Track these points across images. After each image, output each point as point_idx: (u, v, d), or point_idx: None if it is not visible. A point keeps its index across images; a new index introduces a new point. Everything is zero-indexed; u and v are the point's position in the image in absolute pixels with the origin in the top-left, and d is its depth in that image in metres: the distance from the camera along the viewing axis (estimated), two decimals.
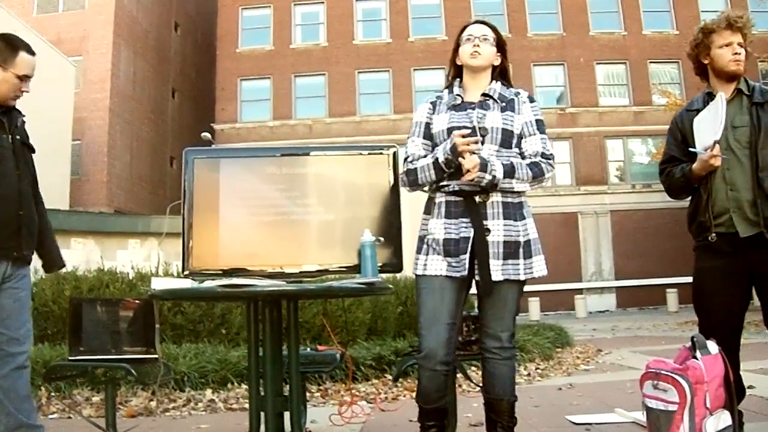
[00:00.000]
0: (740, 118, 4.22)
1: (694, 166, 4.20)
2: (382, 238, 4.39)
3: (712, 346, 3.92)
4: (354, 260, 4.52)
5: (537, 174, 3.90)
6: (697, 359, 3.85)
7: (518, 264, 3.83)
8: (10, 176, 4.16)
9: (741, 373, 4.26)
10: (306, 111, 39.05)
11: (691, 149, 4.26)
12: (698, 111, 4.34)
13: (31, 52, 4.30)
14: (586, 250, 37.25)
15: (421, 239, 3.98)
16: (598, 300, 36.36)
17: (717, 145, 4.06)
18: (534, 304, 32.64)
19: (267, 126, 38.58)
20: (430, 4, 39.27)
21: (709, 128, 4.12)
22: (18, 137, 4.30)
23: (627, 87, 39.01)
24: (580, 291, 35.74)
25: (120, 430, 5.09)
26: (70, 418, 6.72)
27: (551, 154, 4.00)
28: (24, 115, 4.44)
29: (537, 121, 4.03)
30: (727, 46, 4.29)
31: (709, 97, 4.34)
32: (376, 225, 4.41)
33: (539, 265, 3.93)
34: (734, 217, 4.14)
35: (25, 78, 4.23)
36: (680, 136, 4.46)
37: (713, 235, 4.19)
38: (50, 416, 6.75)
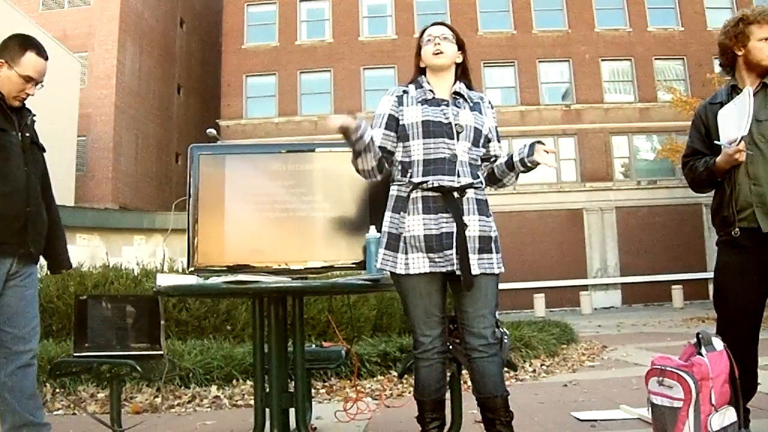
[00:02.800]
0: (765, 112, 4.15)
1: (718, 159, 4.16)
2: None
3: (717, 343, 3.91)
4: (359, 257, 4.54)
5: None
6: (702, 356, 3.84)
7: (492, 258, 3.88)
8: (18, 173, 4.15)
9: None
10: (311, 107, 38.99)
11: (716, 142, 4.22)
12: (722, 104, 4.28)
13: (43, 56, 4.28)
14: (591, 247, 37.18)
15: (395, 236, 3.92)
16: (604, 296, 36.30)
17: (742, 140, 4.03)
18: (539, 300, 32.66)
19: (272, 122, 38.54)
20: (435, 0, 39.24)
21: (734, 122, 4.08)
22: (27, 135, 4.30)
23: (632, 83, 38.93)
24: (585, 287, 35.71)
25: (125, 426, 5.10)
26: (75, 414, 6.74)
27: None
28: (34, 114, 4.44)
29: (496, 128, 4.19)
30: (766, 40, 4.23)
31: (734, 90, 4.30)
32: (382, 221, 4.40)
33: (502, 262, 3.98)
34: (757, 213, 4.08)
35: (29, 79, 4.21)
36: (704, 129, 4.39)
37: (737, 229, 4.15)
38: (55, 412, 6.76)
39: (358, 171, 4.04)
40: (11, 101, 4.22)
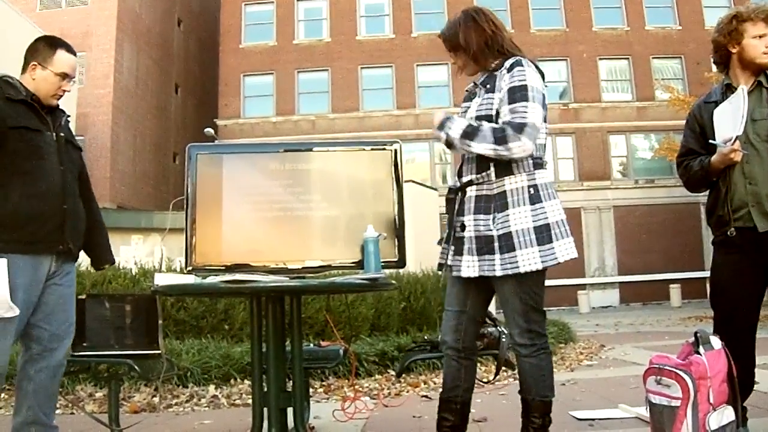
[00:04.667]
0: (760, 111, 4.15)
1: (713, 158, 4.16)
2: (385, 234, 4.40)
3: (716, 342, 3.91)
4: (357, 256, 4.53)
5: (500, 139, 3.59)
6: (700, 354, 3.84)
7: (493, 259, 3.68)
8: (53, 171, 4.22)
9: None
10: (309, 107, 39.09)
11: (711, 141, 4.22)
12: (716, 103, 4.27)
13: (71, 52, 4.41)
14: (589, 246, 37.22)
15: None
16: (602, 295, 36.36)
17: (737, 140, 4.02)
18: None
19: (270, 121, 38.59)
20: None
21: (729, 121, 4.07)
22: (62, 135, 4.38)
23: (630, 82, 39.01)
24: (583, 286, 35.76)
25: (123, 425, 5.10)
26: (73, 413, 6.72)
27: (523, 123, 3.61)
28: (68, 115, 4.54)
29: (510, 89, 3.70)
30: (760, 37, 4.22)
31: (728, 88, 4.28)
32: (380, 221, 4.41)
33: (528, 258, 3.63)
34: (753, 212, 4.08)
35: (64, 76, 4.32)
36: (698, 128, 4.39)
37: (732, 229, 4.15)
38: None
39: None
40: (49, 100, 4.32)
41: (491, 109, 3.75)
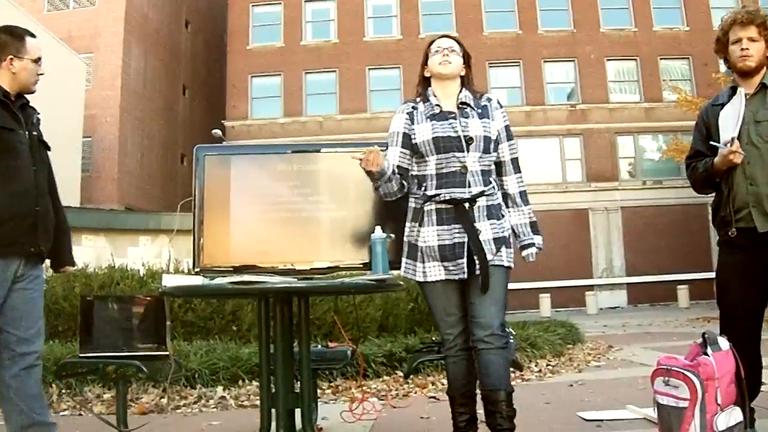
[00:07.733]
0: (763, 113, 4.17)
1: (716, 160, 4.20)
2: (393, 235, 4.41)
3: (723, 343, 3.91)
4: (365, 257, 4.55)
5: (527, 198, 4.35)
6: (708, 355, 3.85)
7: (501, 253, 4.05)
8: (26, 171, 4.18)
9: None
10: (317, 108, 39.02)
11: (712, 143, 4.25)
12: (723, 105, 4.32)
13: (33, 35, 4.41)
14: (597, 247, 37.16)
15: (413, 246, 4.13)
16: (609, 296, 36.25)
17: (736, 142, 4.04)
18: (545, 300, 32.62)
19: (278, 123, 38.56)
20: (440, 0, 39.21)
21: (731, 123, 4.12)
22: (35, 133, 4.35)
23: (638, 83, 38.87)
24: (591, 287, 35.66)
25: (131, 426, 5.11)
26: (81, 415, 6.73)
27: (518, 161, 4.34)
28: (39, 113, 4.49)
29: (506, 127, 4.30)
30: (736, 42, 4.28)
31: (733, 91, 4.33)
32: (387, 222, 4.41)
33: (512, 256, 4.13)
34: (753, 212, 4.11)
35: (38, 61, 4.33)
36: (705, 130, 4.44)
37: (733, 230, 4.18)
38: (61, 413, 6.77)
39: (380, 195, 4.27)
40: (31, 88, 4.34)
41: (490, 133, 4.16)
